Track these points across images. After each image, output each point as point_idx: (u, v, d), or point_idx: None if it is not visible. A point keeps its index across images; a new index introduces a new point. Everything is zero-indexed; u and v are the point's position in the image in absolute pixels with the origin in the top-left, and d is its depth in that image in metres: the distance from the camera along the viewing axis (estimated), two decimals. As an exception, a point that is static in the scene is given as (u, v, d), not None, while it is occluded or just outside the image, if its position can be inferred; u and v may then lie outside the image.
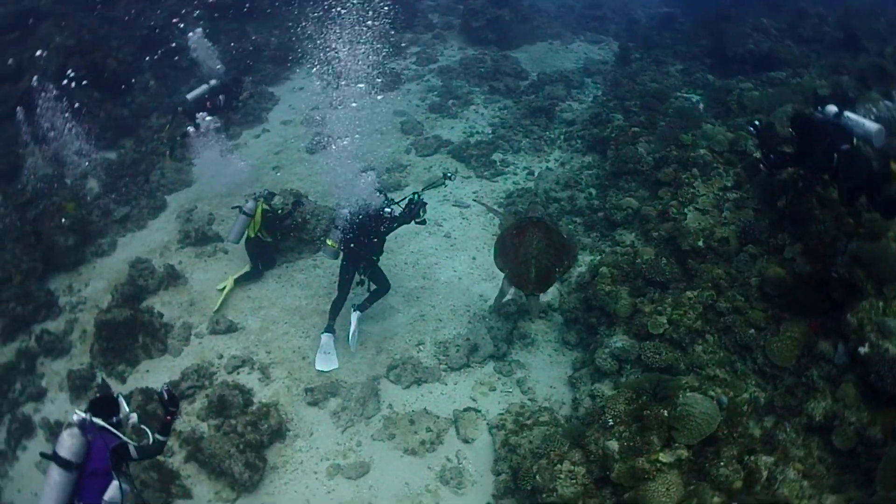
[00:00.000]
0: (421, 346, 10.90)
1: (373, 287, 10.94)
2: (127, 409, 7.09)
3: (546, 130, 16.54)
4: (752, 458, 7.19)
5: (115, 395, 7.20)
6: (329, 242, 10.64)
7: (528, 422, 9.08)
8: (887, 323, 7.51)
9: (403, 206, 10.64)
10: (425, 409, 9.82)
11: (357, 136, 16.37)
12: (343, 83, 19.07)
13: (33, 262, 12.93)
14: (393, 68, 20.28)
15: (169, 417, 7.19)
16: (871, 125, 8.29)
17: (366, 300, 10.82)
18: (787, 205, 9.81)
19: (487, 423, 9.47)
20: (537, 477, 7.69)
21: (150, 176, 15.82)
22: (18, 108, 15.13)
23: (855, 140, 8.35)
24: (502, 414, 9.51)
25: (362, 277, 10.87)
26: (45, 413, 10.66)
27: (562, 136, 16.22)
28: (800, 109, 9.49)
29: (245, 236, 12.17)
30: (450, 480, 8.83)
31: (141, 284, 12.35)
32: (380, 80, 19.10)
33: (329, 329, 10.74)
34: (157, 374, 10.80)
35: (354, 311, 10.62)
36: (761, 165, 9.64)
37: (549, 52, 22.03)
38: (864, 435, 7.22)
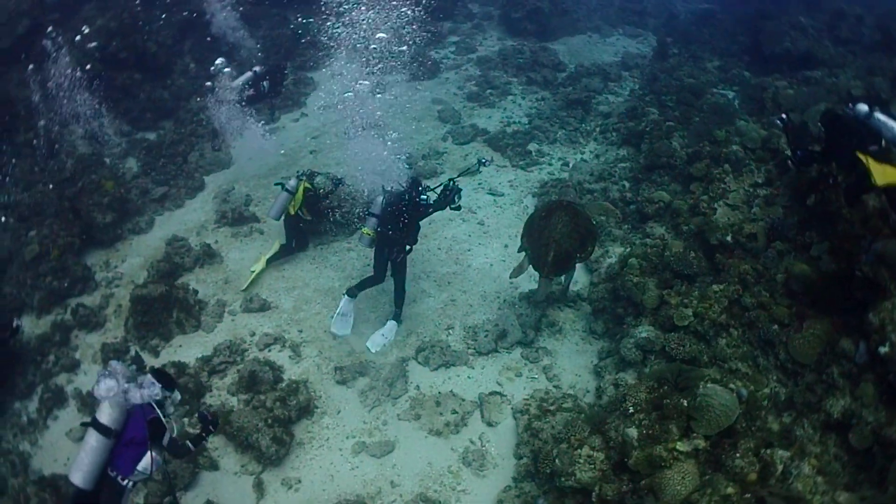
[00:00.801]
0: (450, 330, 11.11)
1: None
2: (172, 395, 7.31)
3: (582, 122, 16.62)
4: (769, 451, 7.30)
5: (164, 371, 7.45)
6: (364, 230, 10.75)
7: (552, 407, 9.26)
8: (910, 323, 7.55)
9: (438, 193, 10.80)
10: (452, 391, 10.05)
11: (395, 122, 16.66)
12: (382, 70, 19.31)
13: (71, 238, 13.21)
14: (432, 56, 20.43)
15: (204, 433, 7.44)
16: None
17: (395, 306, 11.04)
18: (816, 203, 9.85)
19: (512, 408, 9.67)
20: (557, 461, 7.89)
21: (189, 157, 16.16)
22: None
23: (883, 142, 8.33)
24: (527, 399, 9.69)
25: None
26: (78, 384, 10.99)
27: (597, 129, 16.30)
28: (831, 106, 9.43)
29: (285, 213, 12.42)
30: (472, 462, 9.06)
31: (177, 262, 12.72)
32: (419, 68, 19.38)
33: (351, 293, 10.91)
34: (190, 348, 11.16)
35: (392, 320, 10.95)
36: (789, 162, 9.65)
37: (587, 44, 22.05)
38: (880, 434, 7.24)
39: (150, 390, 6.98)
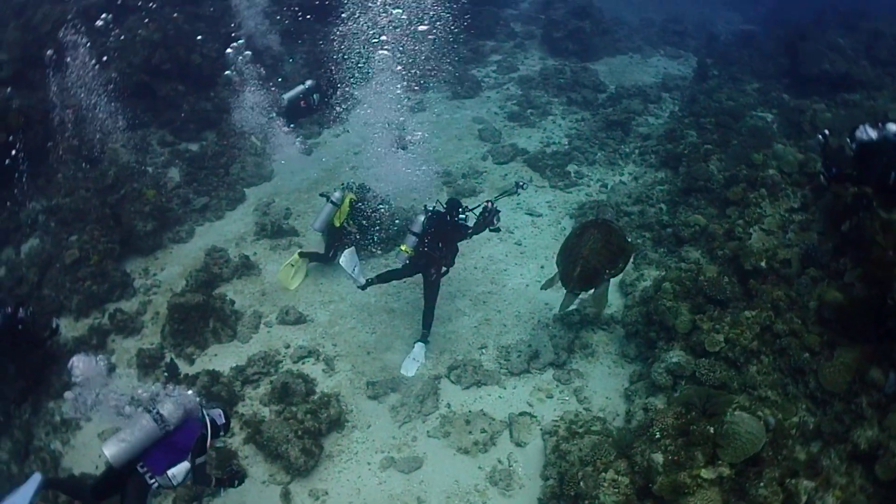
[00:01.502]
0: (484, 350, 11.21)
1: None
2: (222, 435, 7.67)
3: (621, 144, 16.67)
4: (794, 481, 7.27)
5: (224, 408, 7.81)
6: (403, 247, 10.93)
7: (581, 430, 9.27)
8: (941, 355, 7.49)
9: (477, 215, 10.94)
10: (482, 410, 10.12)
11: (437, 140, 16.85)
12: (423, 88, 19.51)
13: (111, 244, 13.42)
14: (474, 75, 20.64)
15: (226, 482, 7.72)
16: None
17: (423, 327, 10.99)
18: (851, 229, 9.79)
19: (541, 429, 9.71)
20: (581, 483, 7.94)
21: (231, 168, 16.42)
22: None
23: None
24: (556, 421, 9.72)
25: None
26: (112, 387, 11.25)
27: (636, 151, 16.34)
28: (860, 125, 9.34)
29: (329, 225, 12.63)
30: (499, 482, 9.13)
31: (215, 272, 12.98)
32: (460, 87, 19.55)
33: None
34: (224, 357, 11.38)
35: (420, 343, 10.89)
36: (821, 177, 9.55)
37: (628, 65, 22.16)
38: None
39: (216, 412, 7.39)
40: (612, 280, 10.17)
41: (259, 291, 12.77)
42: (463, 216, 10.88)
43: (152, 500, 7.43)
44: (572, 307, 10.65)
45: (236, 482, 7.80)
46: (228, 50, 16.20)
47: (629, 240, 9.88)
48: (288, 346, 11.51)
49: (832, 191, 10.22)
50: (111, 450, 6.77)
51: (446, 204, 11.07)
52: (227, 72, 16.20)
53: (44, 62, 15.72)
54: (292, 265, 12.65)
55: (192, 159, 16.64)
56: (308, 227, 14.03)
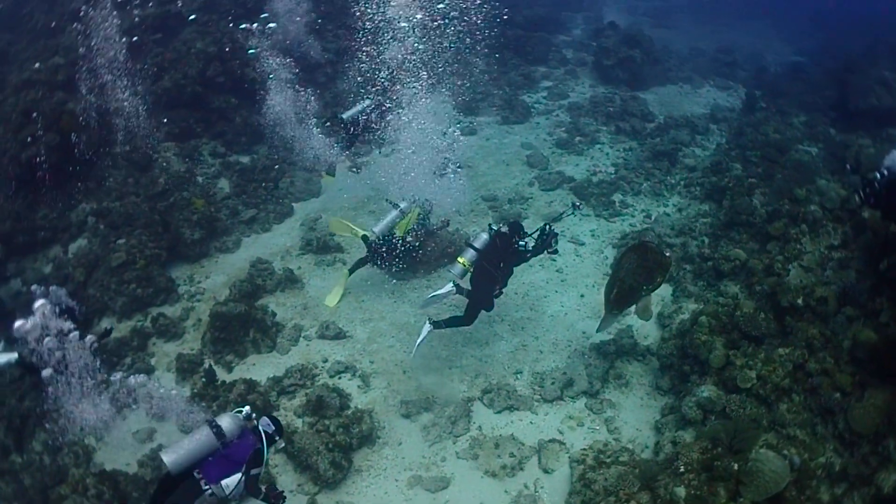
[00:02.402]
0: (518, 375, 11.34)
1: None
2: (278, 441, 7.94)
3: (667, 175, 16.69)
4: (815, 521, 7.29)
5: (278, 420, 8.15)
6: (461, 260, 11.07)
7: (608, 460, 9.33)
8: (969, 399, 7.41)
9: (536, 238, 11.10)
10: (512, 434, 10.24)
11: (484, 165, 16.99)
12: (473, 113, 19.64)
13: (158, 250, 13.86)
14: (524, 101, 20.84)
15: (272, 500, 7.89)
16: None
17: (445, 321, 11.08)
18: (888, 268, 9.73)
19: (569, 457, 9.75)
20: (602, 513, 8.04)
21: (280, 182, 16.77)
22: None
23: None
24: (585, 449, 9.76)
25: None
26: (149, 389, 11.43)
27: (682, 182, 16.34)
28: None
29: (388, 233, 12.75)
30: (523, 506, 9.25)
31: (259, 283, 13.33)
32: (510, 112, 19.72)
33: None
34: (262, 367, 11.71)
35: (428, 323, 10.99)
36: (857, 197, 9.26)
37: (677, 95, 22.17)
38: None
39: (265, 422, 7.76)
40: (652, 312, 10.42)
41: (301, 305, 13.06)
42: (522, 242, 11.00)
43: None
44: (612, 327, 10.72)
45: (281, 502, 8.00)
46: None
47: (667, 254, 9.97)
48: (326, 361, 11.77)
49: (870, 223, 10.15)
50: (170, 457, 7.10)
51: (509, 226, 11.22)
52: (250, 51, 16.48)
53: (99, 68, 16.12)
54: (341, 286, 12.90)
55: (243, 171, 17.00)
56: (352, 245, 14.34)
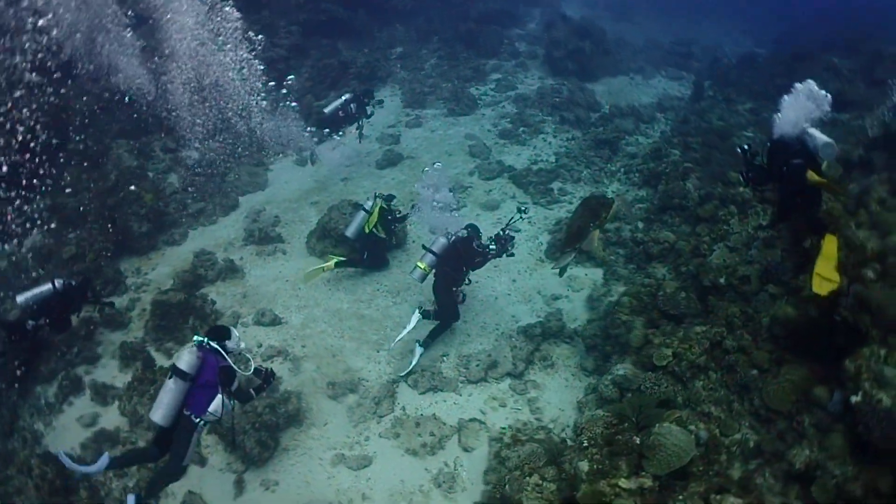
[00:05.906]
0: (444, 357, 11.33)
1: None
2: (237, 337, 8.21)
3: (608, 163, 16.67)
4: (718, 497, 7.07)
5: (228, 326, 8.45)
6: (420, 265, 11.27)
7: (524, 437, 9.28)
8: (885, 372, 6.99)
9: (493, 242, 11.27)
10: (434, 414, 10.24)
11: (427, 155, 16.94)
12: (420, 105, 19.57)
13: (106, 243, 13.87)
14: (471, 93, 20.76)
15: (265, 384, 8.32)
16: (822, 138, 8.23)
17: (428, 336, 11.24)
18: (812, 246, 9.62)
19: (489, 435, 9.75)
20: (507, 486, 7.92)
21: (227, 176, 16.79)
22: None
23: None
24: (504, 428, 9.77)
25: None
26: (95, 376, 11.50)
27: (622, 169, 16.32)
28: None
29: (360, 232, 12.91)
30: (442, 483, 9.22)
31: (201, 273, 13.39)
32: (457, 104, 19.63)
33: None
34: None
35: (419, 346, 11.15)
36: (741, 178, 9.30)
37: (627, 85, 22.20)
38: (843, 489, 6.86)
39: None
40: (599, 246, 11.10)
41: (240, 294, 13.05)
42: (486, 245, 11.25)
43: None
44: (567, 265, 10.51)
45: (271, 380, 8.40)
46: None
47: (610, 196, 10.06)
48: (260, 346, 11.75)
49: (753, 193, 10.42)
50: (158, 416, 7.57)
51: (467, 230, 11.39)
52: None
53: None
54: (323, 270, 12.90)
55: (191, 166, 16.95)
56: (293, 236, 14.63)
